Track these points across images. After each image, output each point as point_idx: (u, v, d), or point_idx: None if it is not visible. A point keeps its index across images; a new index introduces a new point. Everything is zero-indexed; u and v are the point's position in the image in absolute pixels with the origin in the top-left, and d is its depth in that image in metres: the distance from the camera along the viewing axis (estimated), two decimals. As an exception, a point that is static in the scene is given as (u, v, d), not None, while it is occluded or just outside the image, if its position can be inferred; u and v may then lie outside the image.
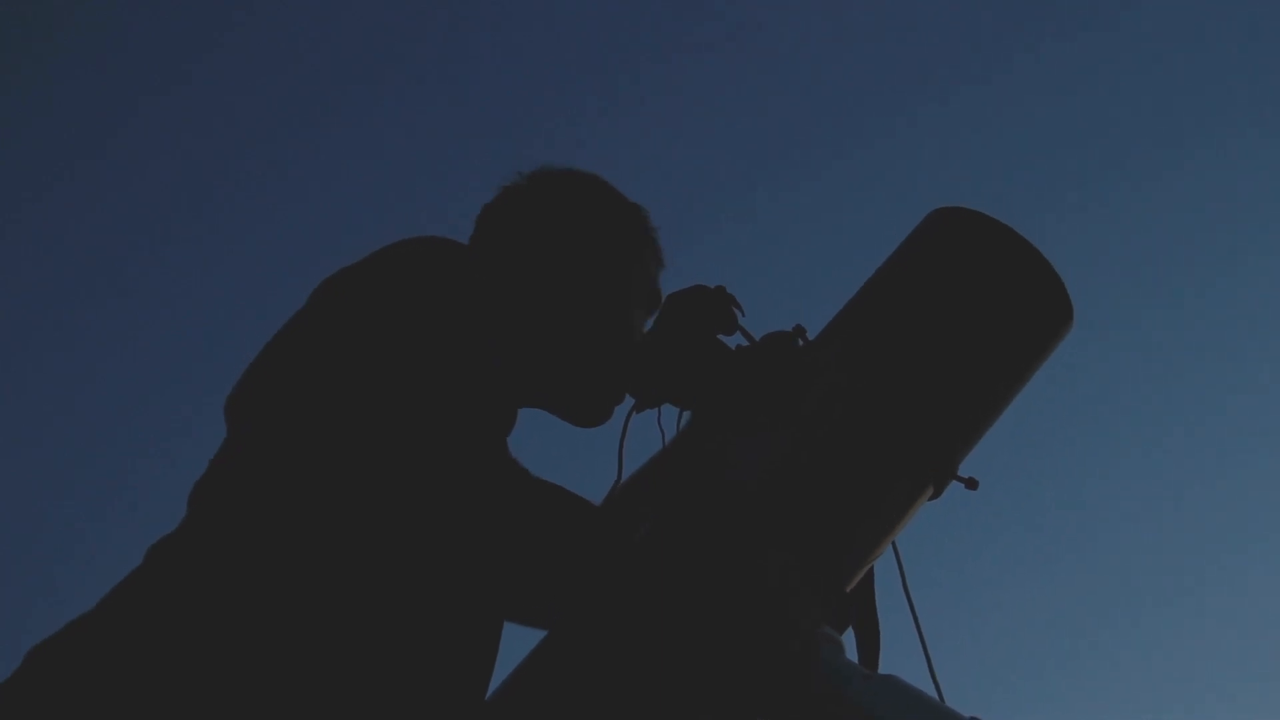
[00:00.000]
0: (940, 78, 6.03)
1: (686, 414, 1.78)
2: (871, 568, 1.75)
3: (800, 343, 1.74)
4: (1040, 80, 5.98)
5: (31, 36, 5.70)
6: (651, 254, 1.90)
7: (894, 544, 1.76)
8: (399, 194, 5.92)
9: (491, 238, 1.84)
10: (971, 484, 1.73)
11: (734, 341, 1.75)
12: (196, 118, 5.85)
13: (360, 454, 1.44)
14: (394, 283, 1.53)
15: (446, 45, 6.00)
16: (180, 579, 1.46)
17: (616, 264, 1.84)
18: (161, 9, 5.82)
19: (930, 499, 1.73)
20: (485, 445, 1.49)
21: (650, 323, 1.89)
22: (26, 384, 5.70)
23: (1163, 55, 5.88)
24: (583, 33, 6.08)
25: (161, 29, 5.78)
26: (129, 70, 5.82)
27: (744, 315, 1.77)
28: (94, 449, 5.75)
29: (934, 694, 1.67)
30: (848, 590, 1.69)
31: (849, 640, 1.74)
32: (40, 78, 5.74)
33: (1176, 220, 5.93)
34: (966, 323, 1.72)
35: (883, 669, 1.73)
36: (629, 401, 1.81)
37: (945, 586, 5.26)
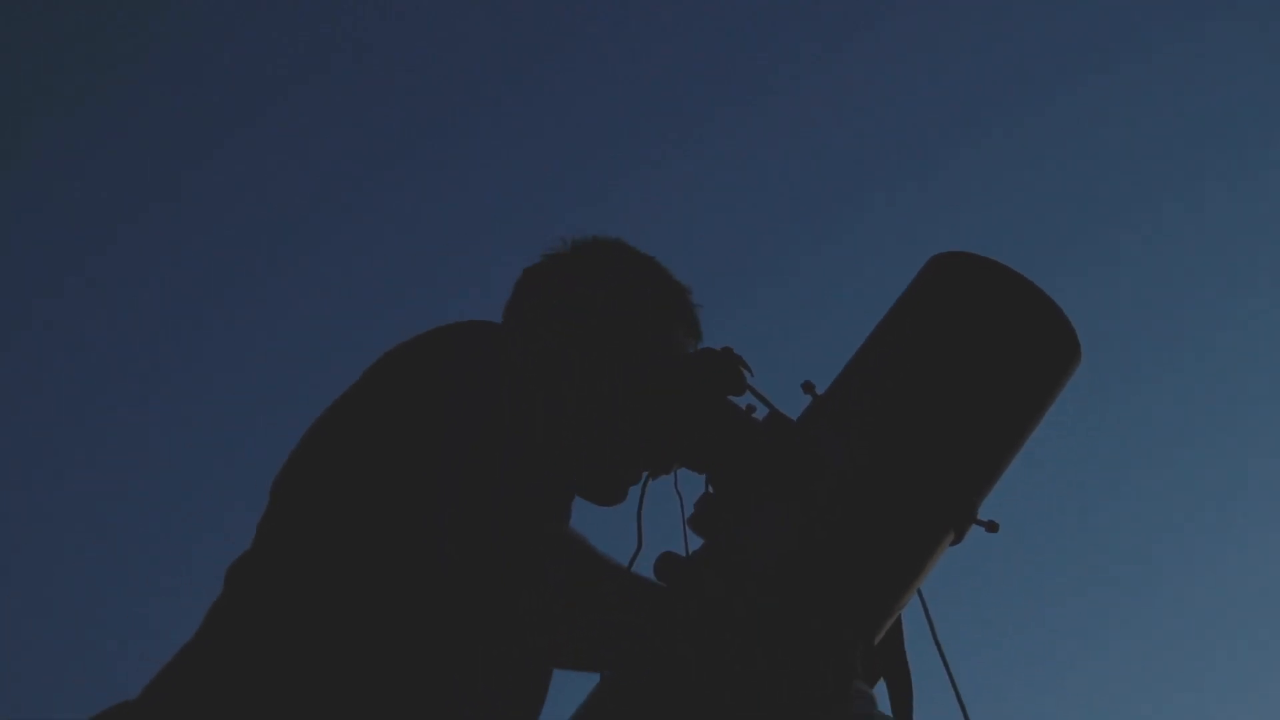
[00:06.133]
0: (944, 125, 6.10)
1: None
2: (899, 617, 1.75)
3: (810, 398, 1.75)
4: (1041, 125, 6.04)
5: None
6: (686, 332, 1.89)
7: (920, 592, 1.76)
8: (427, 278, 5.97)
9: (527, 305, 1.86)
10: (992, 527, 1.73)
11: (744, 402, 1.76)
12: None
13: (390, 551, 1.46)
14: (438, 371, 1.55)
15: (468, 123, 6.08)
16: (214, 677, 1.48)
17: (648, 342, 1.84)
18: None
19: (952, 544, 1.73)
20: (527, 533, 1.50)
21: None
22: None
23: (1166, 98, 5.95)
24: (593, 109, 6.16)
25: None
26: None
27: (753, 375, 1.77)
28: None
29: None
30: (876, 642, 1.69)
31: (881, 692, 1.74)
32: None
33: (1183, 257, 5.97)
34: (974, 368, 1.73)
35: (917, 718, 1.73)
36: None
37: (974, 629, 5.23)
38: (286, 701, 1.44)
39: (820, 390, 1.76)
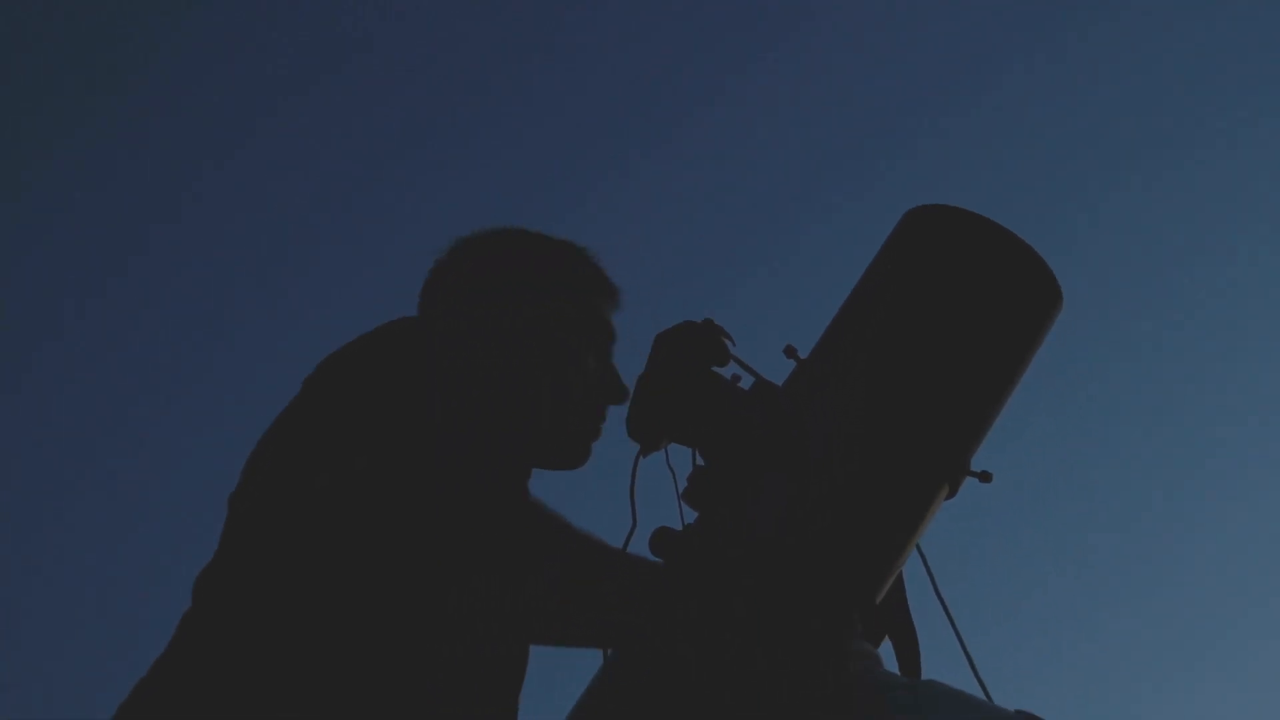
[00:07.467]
0: (921, 88, 6.12)
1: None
2: (900, 574, 1.75)
3: (794, 363, 1.75)
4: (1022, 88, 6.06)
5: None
6: (590, 288, 1.88)
7: (919, 547, 1.75)
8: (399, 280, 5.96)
9: (429, 313, 1.85)
10: (985, 477, 1.73)
11: (728, 371, 1.76)
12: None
13: (352, 551, 1.45)
14: (380, 370, 1.54)
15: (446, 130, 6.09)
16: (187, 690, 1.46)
17: (547, 311, 1.82)
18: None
19: (947, 498, 1.73)
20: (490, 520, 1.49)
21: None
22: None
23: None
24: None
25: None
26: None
27: (735, 345, 1.77)
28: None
29: (979, 693, 1.66)
30: (878, 601, 1.69)
31: (887, 651, 1.73)
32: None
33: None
34: (957, 320, 1.72)
35: (926, 674, 1.73)
36: (636, 447, 1.81)
37: (976, 580, 5.25)
38: (274, 709, 1.42)
39: (803, 354, 1.75)
